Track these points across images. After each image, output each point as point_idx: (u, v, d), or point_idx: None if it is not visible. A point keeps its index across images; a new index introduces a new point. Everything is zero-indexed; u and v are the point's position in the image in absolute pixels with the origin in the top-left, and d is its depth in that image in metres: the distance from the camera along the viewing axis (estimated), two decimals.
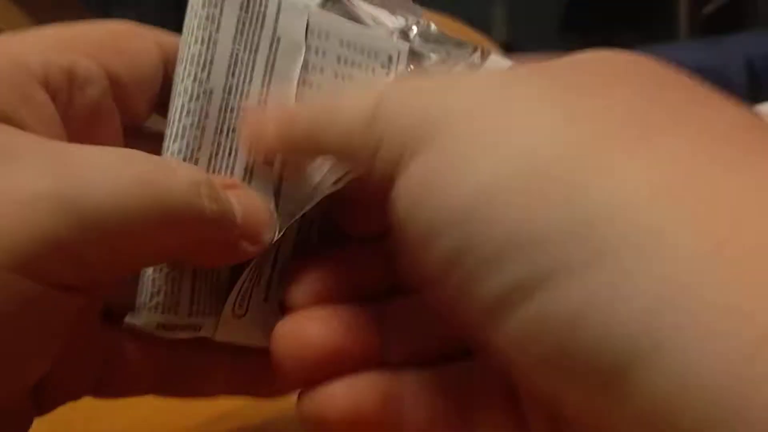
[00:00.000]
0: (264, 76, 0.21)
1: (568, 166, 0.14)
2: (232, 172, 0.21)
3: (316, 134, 0.19)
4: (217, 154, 0.21)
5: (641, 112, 0.14)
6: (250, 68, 0.21)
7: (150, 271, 0.20)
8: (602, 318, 0.12)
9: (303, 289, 0.20)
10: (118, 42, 0.21)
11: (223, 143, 0.21)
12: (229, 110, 0.21)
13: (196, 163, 0.20)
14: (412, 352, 0.20)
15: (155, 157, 0.19)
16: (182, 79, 0.20)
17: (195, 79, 0.20)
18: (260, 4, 0.21)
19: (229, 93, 0.21)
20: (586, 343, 0.13)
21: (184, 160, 0.20)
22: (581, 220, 0.13)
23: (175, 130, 0.20)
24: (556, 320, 0.13)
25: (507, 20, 1.61)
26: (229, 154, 0.21)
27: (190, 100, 0.20)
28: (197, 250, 0.19)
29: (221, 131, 0.21)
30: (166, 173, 0.17)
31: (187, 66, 0.20)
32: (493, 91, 0.16)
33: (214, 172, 0.21)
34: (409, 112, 0.16)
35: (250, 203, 0.20)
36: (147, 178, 0.17)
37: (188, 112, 0.20)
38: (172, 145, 0.20)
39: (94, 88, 0.20)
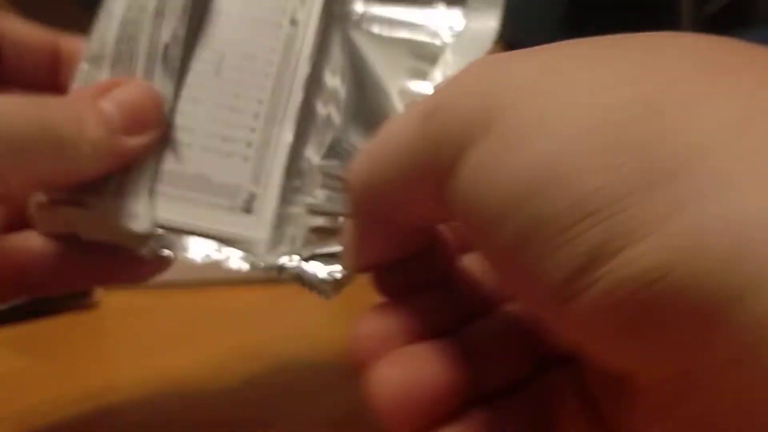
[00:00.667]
0: None
1: (643, 114, 0.13)
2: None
3: (379, 166, 0.18)
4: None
5: (706, 56, 0.14)
6: None
7: None
8: (691, 265, 0.12)
9: (379, 329, 0.21)
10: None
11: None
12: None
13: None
14: (503, 377, 0.19)
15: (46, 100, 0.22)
16: None
17: None
18: None
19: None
20: (675, 296, 0.12)
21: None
22: (660, 170, 0.13)
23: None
24: (641, 278, 0.13)
25: (507, 18, 1.61)
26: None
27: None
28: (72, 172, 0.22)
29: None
30: (50, 105, 0.21)
31: None
32: (547, 60, 0.15)
33: None
34: (464, 102, 0.16)
35: (131, 98, 0.22)
36: (33, 110, 0.20)
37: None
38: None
39: None
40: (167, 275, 0.40)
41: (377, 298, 0.40)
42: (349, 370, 0.31)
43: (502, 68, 0.16)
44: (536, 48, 0.16)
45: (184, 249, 0.22)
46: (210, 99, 0.22)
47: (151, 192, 0.22)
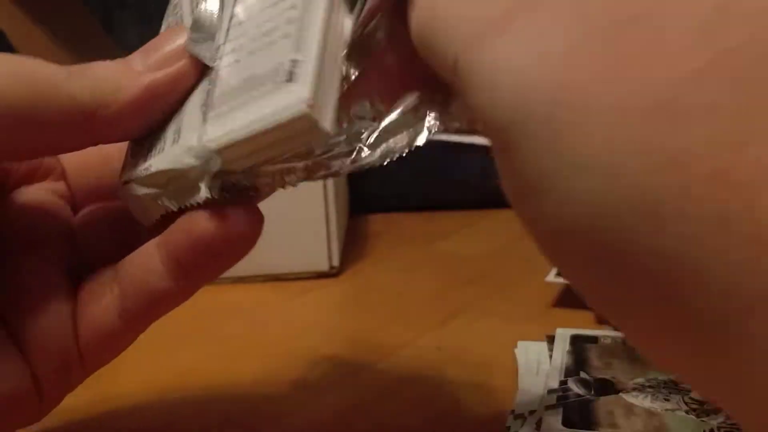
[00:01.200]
0: None
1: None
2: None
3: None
4: None
5: None
6: None
7: None
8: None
9: None
10: None
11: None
12: None
13: None
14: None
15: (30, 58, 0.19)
16: None
17: None
18: None
19: None
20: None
21: None
22: None
23: None
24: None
25: None
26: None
27: None
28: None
29: None
30: (35, 63, 0.18)
31: None
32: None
33: None
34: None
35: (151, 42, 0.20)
36: (17, 68, 0.18)
37: None
38: None
39: None
40: None
41: (378, 297, 0.40)
42: (353, 365, 0.32)
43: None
44: None
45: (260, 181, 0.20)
46: (252, 10, 0.21)
47: (205, 117, 0.19)
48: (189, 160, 0.19)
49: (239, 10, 0.21)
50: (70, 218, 0.24)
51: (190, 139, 0.19)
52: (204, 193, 0.19)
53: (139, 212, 0.21)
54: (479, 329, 0.34)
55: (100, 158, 0.24)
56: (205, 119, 0.19)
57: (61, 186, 0.24)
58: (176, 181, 0.20)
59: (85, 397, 0.29)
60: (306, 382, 0.30)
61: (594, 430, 0.24)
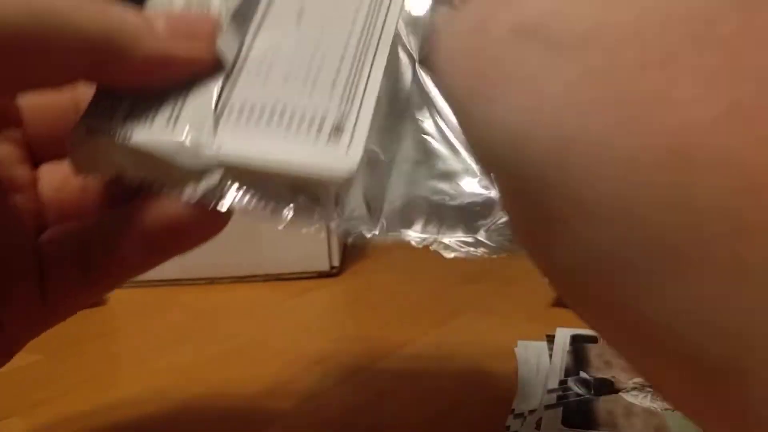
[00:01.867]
0: None
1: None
2: None
3: None
4: None
5: None
6: None
7: None
8: None
9: None
10: None
11: None
12: None
13: None
14: None
15: None
16: None
17: None
18: None
19: None
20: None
21: None
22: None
23: None
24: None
25: None
26: None
27: None
28: (107, 68, 0.18)
29: None
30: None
31: None
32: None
33: None
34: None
35: (180, 14, 0.20)
36: None
37: None
38: None
39: None
40: (174, 273, 0.40)
41: (378, 297, 0.40)
42: (353, 365, 0.32)
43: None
44: None
45: (243, 198, 0.18)
46: (292, 38, 0.20)
47: (216, 121, 0.18)
48: (189, 160, 0.18)
49: (280, 20, 0.20)
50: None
51: (195, 137, 0.18)
52: (189, 193, 0.18)
53: (86, 162, 0.20)
54: (479, 329, 0.34)
55: (59, 110, 0.23)
56: (216, 123, 0.18)
57: (17, 134, 0.23)
58: (157, 164, 0.18)
59: (85, 397, 0.29)
60: (306, 382, 0.30)
61: (594, 429, 0.24)
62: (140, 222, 0.20)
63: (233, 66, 0.19)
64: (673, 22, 0.13)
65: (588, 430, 0.24)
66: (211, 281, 0.40)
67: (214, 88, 0.19)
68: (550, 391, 0.27)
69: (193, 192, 0.18)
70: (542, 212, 0.14)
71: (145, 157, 0.18)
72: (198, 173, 0.18)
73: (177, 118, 0.19)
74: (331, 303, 0.41)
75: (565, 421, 0.25)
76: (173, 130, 0.18)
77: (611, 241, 0.13)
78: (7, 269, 0.21)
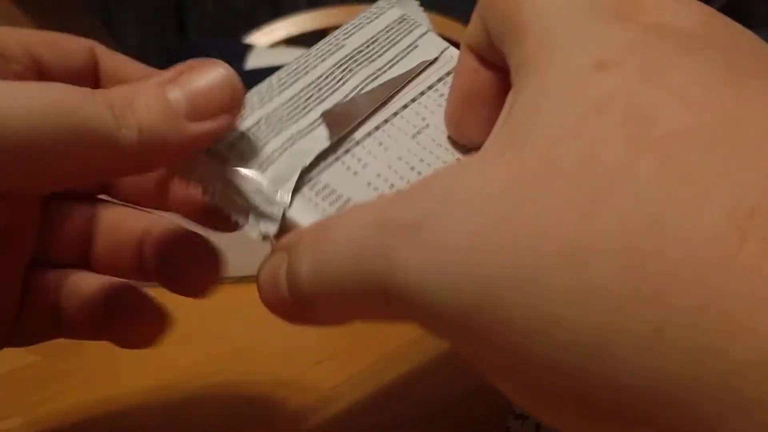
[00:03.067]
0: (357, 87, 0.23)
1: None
2: None
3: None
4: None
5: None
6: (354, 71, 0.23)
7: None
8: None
9: None
10: (50, 36, 0.22)
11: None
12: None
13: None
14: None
15: (75, 87, 0.19)
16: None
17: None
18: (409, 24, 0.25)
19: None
20: None
21: None
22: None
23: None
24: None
25: None
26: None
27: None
28: (127, 171, 0.21)
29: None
30: (80, 95, 0.18)
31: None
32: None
33: None
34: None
35: (204, 83, 0.20)
36: (59, 98, 0.18)
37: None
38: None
39: (16, 65, 0.21)
40: None
41: None
42: (353, 365, 0.32)
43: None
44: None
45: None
46: (396, 152, 0.22)
47: (298, 187, 0.21)
48: (259, 202, 0.20)
49: (390, 131, 0.23)
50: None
51: (274, 190, 0.21)
52: (244, 226, 0.21)
53: (187, 170, 0.21)
54: None
55: None
56: (298, 189, 0.21)
57: None
58: (234, 192, 0.21)
59: (85, 397, 0.29)
60: (306, 382, 0.30)
61: None
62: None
63: (339, 145, 0.22)
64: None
65: None
66: None
67: (314, 154, 0.21)
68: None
69: (252, 229, 0.21)
70: (503, 338, 0.14)
71: (231, 187, 0.21)
72: (256, 214, 0.21)
73: (272, 162, 0.21)
74: None
75: None
76: (263, 174, 0.21)
77: (576, 336, 0.14)
78: None
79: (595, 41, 0.16)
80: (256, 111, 0.22)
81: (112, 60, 0.23)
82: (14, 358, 0.33)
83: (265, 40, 1.24)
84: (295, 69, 0.23)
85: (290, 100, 0.22)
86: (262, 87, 0.23)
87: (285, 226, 0.20)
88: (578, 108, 0.15)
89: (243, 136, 0.21)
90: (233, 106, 0.20)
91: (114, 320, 0.25)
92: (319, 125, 0.22)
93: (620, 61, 0.15)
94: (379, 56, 0.24)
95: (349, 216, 0.18)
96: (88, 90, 0.19)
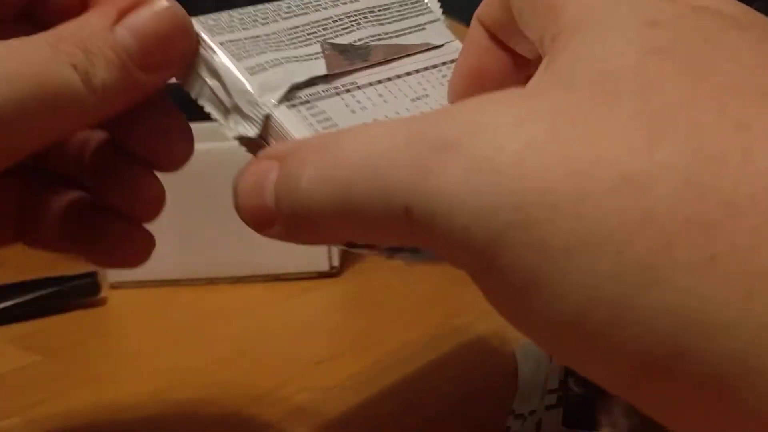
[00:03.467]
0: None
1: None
2: None
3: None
4: None
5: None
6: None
7: None
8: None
9: None
10: None
11: None
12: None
13: None
14: None
15: (38, 43, 0.19)
16: None
17: None
18: None
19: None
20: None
21: None
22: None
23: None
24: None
25: None
26: None
27: None
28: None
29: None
30: (45, 55, 0.18)
31: None
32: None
33: None
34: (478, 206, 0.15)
35: (154, 26, 0.20)
36: (25, 61, 0.18)
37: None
38: None
39: None
40: (173, 273, 0.40)
41: (378, 297, 0.40)
42: (353, 365, 0.32)
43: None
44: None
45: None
46: (394, 108, 0.22)
47: (293, 104, 0.21)
48: (243, 102, 0.20)
49: (398, 92, 0.23)
50: None
51: (260, 93, 0.20)
52: (223, 125, 0.21)
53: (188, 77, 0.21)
54: (479, 329, 0.34)
55: None
56: (293, 105, 0.21)
57: None
58: (218, 89, 0.21)
59: (84, 397, 0.29)
60: (306, 383, 0.30)
61: (594, 429, 0.24)
62: None
63: (340, 82, 0.22)
64: None
65: (588, 430, 0.24)
66: (211, 281, 0.40)
67: (311, 75, 0.21)
68: (551, 391, 0.27)
69: (229, 130, 0.21)
70: (520, 273, 0.14)
71: (217, 77, 0.21)
72: (244, 116, 0.21)
73: (264, 70, 0.21)
74: (330, 303, 0.41)
75: (566, 421, 0.25)
76: (252, 76, 0.21)
77: (595, 274, 0.13)
78: None
79: (645, 9, 0.16)
80: (253, 29, 0.22)
81: None
82: (14, 358, 0.33)
83: None
84: (305, 3, 0.23)
85: (293, 29, 0.23)
86: (254, 9, 0.23)
87: (269, 134, 0.20)
88: (636, 51, 0.15)
89: (238, 40, 0.21)
90: (184, 47, 0.20)
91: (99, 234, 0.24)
92: (318, 58, 0.22)
93: (673, 24, 0.15)
94: (389, 23, 0.24)
95: (369, 128, 0.17)
96: (49, 46, 0.18)
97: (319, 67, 0.22)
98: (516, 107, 0.15)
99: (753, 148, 0.13)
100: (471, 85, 0.22)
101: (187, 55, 0.20)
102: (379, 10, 0.25)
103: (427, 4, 0.26)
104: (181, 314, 0.39)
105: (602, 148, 0.14)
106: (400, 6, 0.25)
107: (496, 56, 0.21)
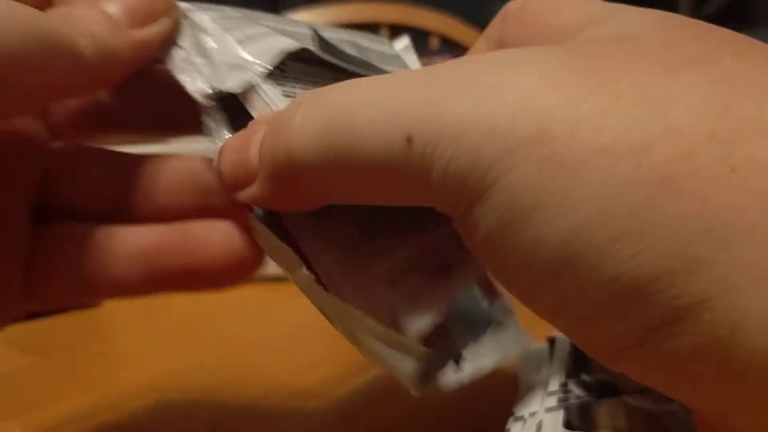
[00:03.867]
0: None
1: (661, 194, 0.13)
2: None
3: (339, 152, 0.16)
4: None
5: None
6: None
7: None
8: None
9: None
10: None
11: None
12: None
13: None
14: None
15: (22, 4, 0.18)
16: None
17: None
18: None
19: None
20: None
21: None
22: (684, 258, 0.13)
23: None
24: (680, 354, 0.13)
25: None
26: None
27: None
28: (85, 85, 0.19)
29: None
30: (32, 9, 0.18)
31: None
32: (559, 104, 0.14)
33: None
34: (469, 153, 0.15)
35: None
36: (18, 10, 0.17)
37: None
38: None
39: None
40: None
41: None
42: (353, 366, 0.31)
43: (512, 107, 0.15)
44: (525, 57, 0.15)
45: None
46: None
47: (283, 82, 0.20)
48: (227, 69, 0.20)
49: None
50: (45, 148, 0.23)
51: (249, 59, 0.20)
52: (196, 90, 0.20)
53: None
54: None
55: None
56: (282, 83, 0.20)
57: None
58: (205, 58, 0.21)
59: (81, 398, 0.29)
60: (305, 384, 0.30)
61: None
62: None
63: (333, 72, 0.21)
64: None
65: None
66: None
67: (300, 47, 0.21)
68: (551, 393, 0.27)
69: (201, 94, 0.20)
70: (517, 203, 0.14)
71: (202, 50, 0.20)
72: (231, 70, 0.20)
73: (253, 41, 0.20)
74: None
75: (566, 424, 0.25)
76: (240, 45, 0.20)
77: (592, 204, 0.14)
78: None
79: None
80: (239, 14, 0.22)
81: None
82: (12, 359, 0.33)
83: None
84: (291, 20, 0.23)
85: (284, 21, 0.22)
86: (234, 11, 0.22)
87: (254, 107, 0.20)
88: (654, 24, 0.16)
89: (228, 15, 0.21)
90: (168, 6, 0.20)
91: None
92: (308, 42, 0.21)
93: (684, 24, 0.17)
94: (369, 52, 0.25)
95: (366, 81, 0.16)
96: (32, 8, 0.18)
97: (310, 43, 0.21)
98: (530, 51, 0.16)
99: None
100: None
101: (170, 12, 0.20)
102: (361, 49, 0.25)
103: (406, 64, 0.26)
104: (178, 316, 0.39)
105: (625, 72, 0.14)
106: (381, 55, 0.25)
107: None
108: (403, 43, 0.27)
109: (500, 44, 0.20)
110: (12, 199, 0.21)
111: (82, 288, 0.21)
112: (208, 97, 0.20)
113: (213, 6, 0.22)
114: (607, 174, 0.13)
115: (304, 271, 0.19)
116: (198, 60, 0.20)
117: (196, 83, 0.20)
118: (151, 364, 0.32)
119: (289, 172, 0.17)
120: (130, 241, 0.21)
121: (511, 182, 0.14)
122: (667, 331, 0.13)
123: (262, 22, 0.22)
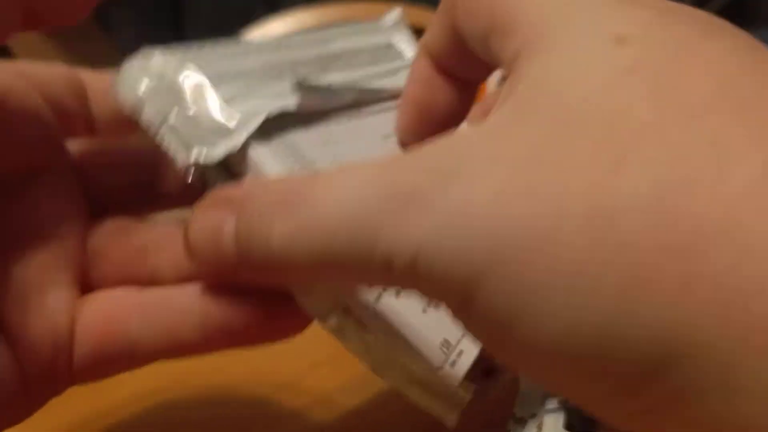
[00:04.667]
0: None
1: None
2: None
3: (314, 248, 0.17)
4: None
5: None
6: None
7: None
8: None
9: None
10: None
11: None
12: None
13: None
14: None
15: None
16: None
17: None
18: None
19: None
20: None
21: None
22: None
23: None
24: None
25: None
26: None
27: None
28: None
29: None
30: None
31: None
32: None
33: None
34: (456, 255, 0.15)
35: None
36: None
37: None
38: None
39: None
40: None
41: None
42: (353, 367, 0.31)
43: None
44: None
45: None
46: (365, 144, 0.23)
47: (264, 139, 0.21)
48: (211, 132, 0.21)
49: (365, 133, 0.23)
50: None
51: (238, 126, 0.21)
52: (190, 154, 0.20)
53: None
54: None
55: None
56: (263, 141, 0.21)
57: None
58: (184, 114, 0.21)
59: (83, 397, 0.29)
60: (305, 384, 0.30)
61: None
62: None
63: (311, 118, 0.22)
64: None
65: None
66: None
67: (283, 109, 0.21)
68: (552, 394, 0.27)
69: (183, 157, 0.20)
70: (504, 307, 0.14)
71: (182, 103, 0.21)
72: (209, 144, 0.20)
73: (236, 101, 0.21)
74: None
75: (567, 425, 0.25)
76: (225, 103, 0.21)
77: (575, 307, 0.14)
78: None
79: (609, 19, 0.15)
80: (224, 60, 0.22)
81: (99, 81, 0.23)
82: None
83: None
84: (276, 42, 0.24)
85: (265, 64, 0.22)
86: (225, 44, 0.23)
87: (240, 170, 0.20)
88: (603, 73, 0.15)
89: (211, 69, 0.21)
90: None
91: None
92: (289, 95, 0.22)
93: (642, 35, 0.15)
94: (360, 67, 0.25)
95: (339, 176, 0.16)
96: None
97: (291, 102, 0.22)
98: (481, 149, 0.15)
99: (728, 166, 0.13)
100: (418, 115, 0.22)
101: None
102: (350, 56, 0.25)
103: (398, 50, 0.26)
104: None
105: (570, 184, 0.14)
106: (372, 51, 0.25)
107: (441, 85, 0.21)
108: (393, 17, 0.27)
109: (454, 34, 0.19)
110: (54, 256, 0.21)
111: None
112: (191, 166, 0.20)
113: (194, 50, 0.22)
114: (569, 297, 0.13)
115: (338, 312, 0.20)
116: (175, 111, 0.20)
117: (179, 154, 0.20)
118: (153, 365, 0.32)
119: (277, 273, 0.18)
120: None
121: (485, 301, 0.14)
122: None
123: (245, 72, 0.22)
